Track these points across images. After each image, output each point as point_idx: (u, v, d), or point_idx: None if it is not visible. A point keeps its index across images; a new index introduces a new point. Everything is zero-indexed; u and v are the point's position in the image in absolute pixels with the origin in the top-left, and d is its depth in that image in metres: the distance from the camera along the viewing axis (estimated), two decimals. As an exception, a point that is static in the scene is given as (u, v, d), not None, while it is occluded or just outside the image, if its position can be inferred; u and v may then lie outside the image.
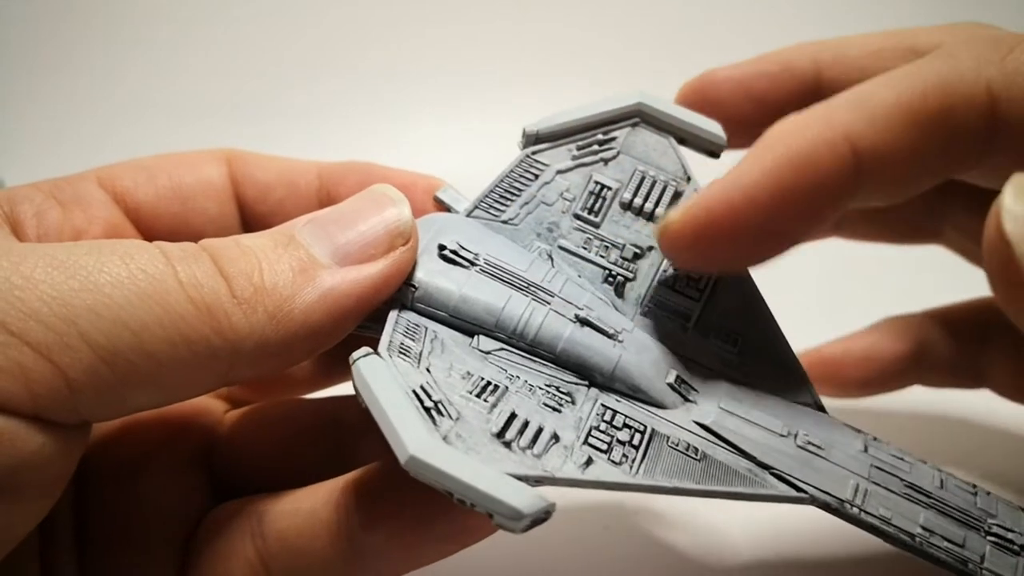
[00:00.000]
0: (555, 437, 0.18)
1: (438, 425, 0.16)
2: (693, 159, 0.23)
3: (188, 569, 0.19)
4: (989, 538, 0.19)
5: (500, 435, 0.17)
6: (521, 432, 0.17)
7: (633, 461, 0.18)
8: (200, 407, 0.23)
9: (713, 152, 0.22)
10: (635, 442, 0.18)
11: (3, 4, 0.44)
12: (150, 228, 0.22)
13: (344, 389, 0.25)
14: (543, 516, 0.15)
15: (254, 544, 0.18)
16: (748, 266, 0.21)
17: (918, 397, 0.28)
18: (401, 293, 0.19)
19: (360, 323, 0.19)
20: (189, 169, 0.23)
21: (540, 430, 0.17)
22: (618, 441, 0.18)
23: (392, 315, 0.19)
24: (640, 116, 0.22)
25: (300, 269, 0.18)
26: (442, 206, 0.23)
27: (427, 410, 0.16)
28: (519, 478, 0.16)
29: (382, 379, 0.16)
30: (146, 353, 0.15)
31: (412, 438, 0.15)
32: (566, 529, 0.24)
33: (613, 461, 0.18)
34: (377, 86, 0.42)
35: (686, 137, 0.22)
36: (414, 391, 0.17)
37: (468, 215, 0.22)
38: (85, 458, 0.20)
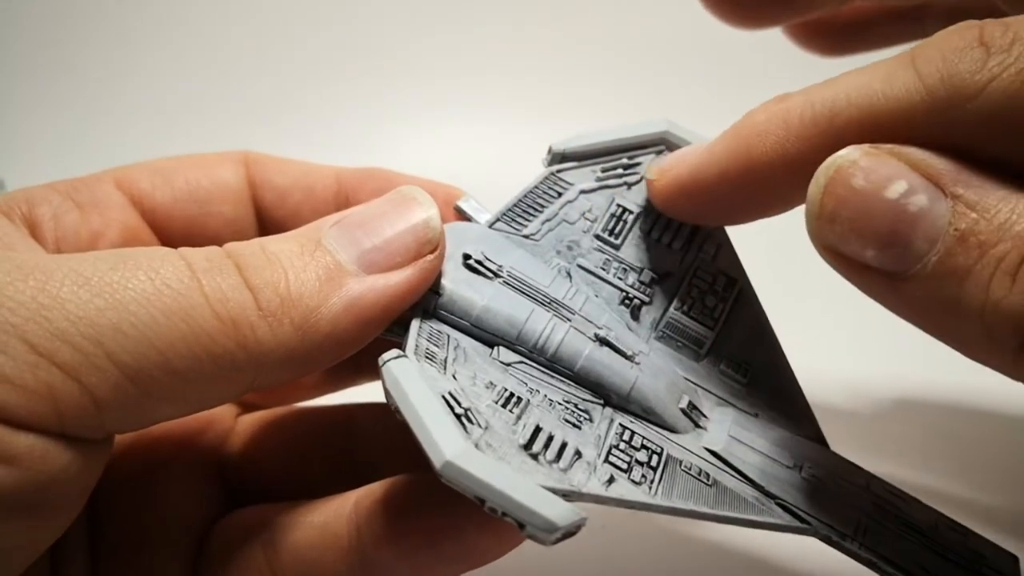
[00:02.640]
0: (578, 453, 0.18)
1: (469, 432, 0.16)
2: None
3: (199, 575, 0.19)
4: None
5: (527, 447, 0.17)
6: (547, 446, 0.17)
7: (652, 482, 0.18)
8: (212, 416, 0.23)
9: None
10: (653, 463, 0.18)
11: (4, 5, 0.43)
12: (166, 230, 0.22)
13: (351, 395, 0.25)
14: (574, 530, 0.15)
15: (265, 555, 0.18)
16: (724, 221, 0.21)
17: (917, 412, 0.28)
18: (425, 299, 0.19)
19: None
20: (206, 172, 0.23)
21: (564, 445, 0.17)
22: (637, 461, 0.18)
23: (416, 321, 0.19)
24: (665, 144, 0.23)
25: (327, 278, 0.17)
26: (462, 216, 0.23)
27: (457, 416, 0.16)
28: (550, 491, 0.16)
29: (415, 381, 0.16)
30: (171, 370, 0.16)
31: (448, 442, 0.15)
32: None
33: (633, 481, 0.18)
34: (392, 88, 0.42)
35: None
36: (443, 396, 0.17)
37: (490, 227, 0.22)
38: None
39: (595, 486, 0.17)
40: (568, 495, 0.16)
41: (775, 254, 0.23)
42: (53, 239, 0.20)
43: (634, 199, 0.23)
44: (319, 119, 0.40)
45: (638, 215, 0.22)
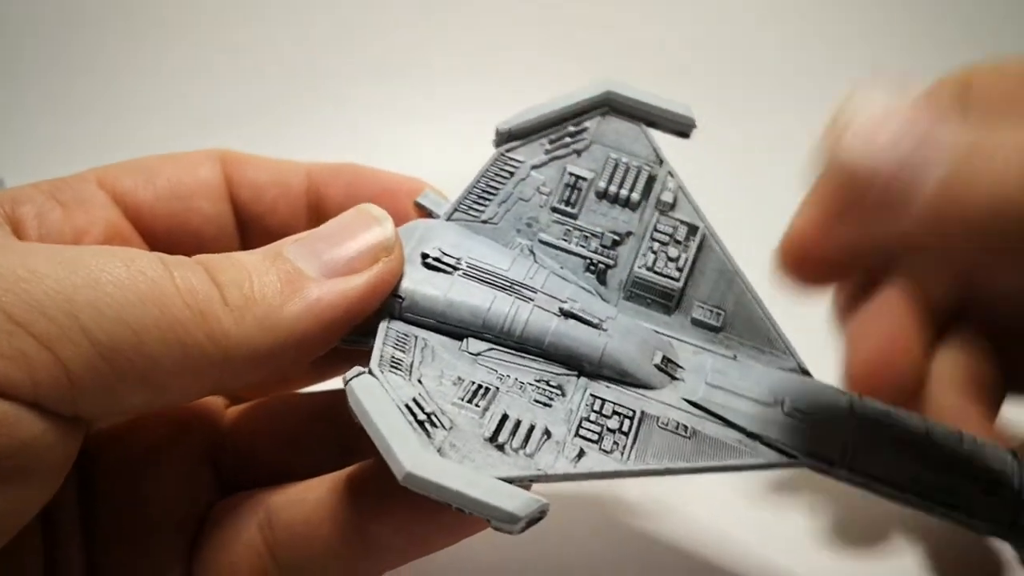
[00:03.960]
0: (547, 433, 0.18)
1: (432, 437, 0.17)
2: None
3: (196, 559, 0.20)
4: (975, 486, 0.20)
5: (493, 439, 0.18)
6: (513, 433, 0.18)
7: (624, 448, 0.19)
8: (203, 404, 0.23)
9: (683, 132, 0.23)
10: (625, 428, 0.19)
11: (3, 5, 0.44)
12: (149, 227, 0.23)
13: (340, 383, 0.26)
14: (538, 516, 0.16)
15: (261, 534, 0.19)
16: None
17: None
18: (389, 305, 0.20)
19: (350, 336, 0.20)
20: (186, 170, 0.23)
21: (532, 428, 0.18)
22: (608, 429, 0.19)
23: (382, 328, 0.20)
24: (608, 104, 0.23)
25: (288, 280, 0.18)
26: (423, 211, 0.23)
27: (420, 423, 0.17)
28: (513, 480, 0.17)
29: (375, 398, 0.17)
30: (143, 353, 0.16)
31: (406, 455, 0.16)
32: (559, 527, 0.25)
33: (604, 450, 0.18)
34: (388, 87, 0.42)
35: (655, 120, 0.23)
36: (407, 405, 0.18)
37: (448, 219, 0.22)
38: (91, 454, 0.21)
39: (563, 465, 0.18)
40: (535, 479, 0.17)
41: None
42: (37, 237, 0.20)
43: (585, 165, 0.23)
44: (318, 119, 0.41)
45: (591, 181, 0.23)
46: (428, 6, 0.46)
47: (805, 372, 0.21)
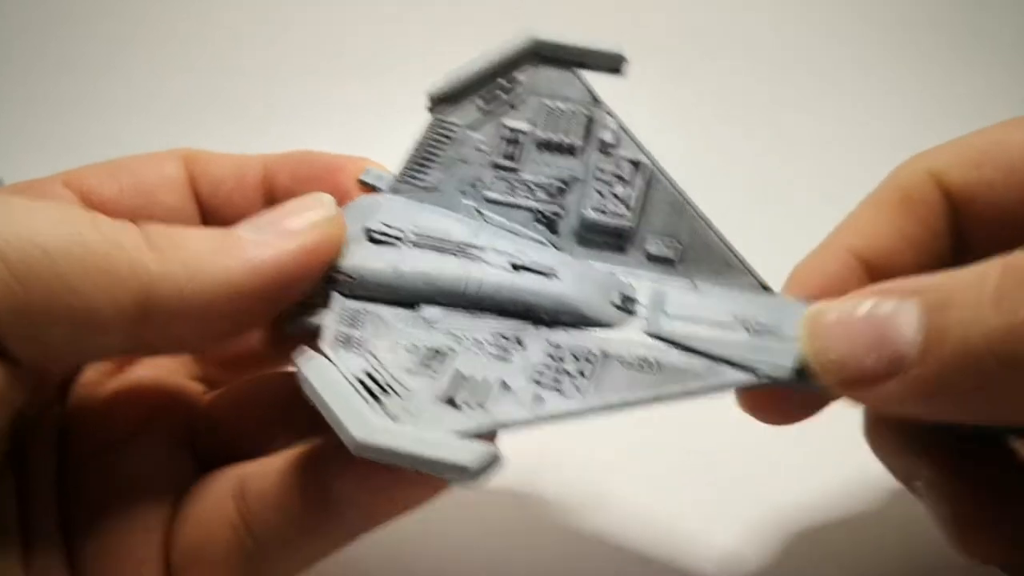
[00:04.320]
0: (504, 386, 0.18)
1: (385, 405, 0.17)
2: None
3: (173, 535, 0.20)
4: None
5: (448, 398, 0.18)
6: (469, 389, 0.18)
7: (583, 389, 0.19)
8: (178, 388, 0.23)
9: (614, 69, 0.22)
10: (583, 371, 0.19)
11: (4, 4, 0.45)
12: None
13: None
14: (491, 462, 0.16)
15: (236, 506, 0.19)
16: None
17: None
18: (340, 286, 0.20)
19: (298, 318, 0.20)
20: (149, 168, 0.24)
21: (488, 382, 0.18)
22: (566, 373, 0.19)
23: (334, 308, 0.20)
24: (536, 53, 0.23)
25: (223, 238, 0.18)
26: (368, 188, 0.23)
27: (372, 394, 0.17)
28: (469, 432, 0.17)
29: (323, 375, 0.17)
30: (57, 273, 0.16)
31: (356, 425, 0.16)
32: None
33: (562, 393, 0.18)
34: (353, 84, 0.42)
35: (586, 61, 0.23)
36: (359, 379, 0.18)
37: (392, 192, 0.22)
38: (67, 437, 0.21)
39: (521, 413, 0.18)
40: (492, 431, 0.17)
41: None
42: None
43: (521, 117, 0.23)
44: (307, 118, 0.41)
45: (529, 132, 0.22)
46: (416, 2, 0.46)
47: (766, 288, 0.21)
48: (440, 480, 0.18)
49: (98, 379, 0.22)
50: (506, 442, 0.18)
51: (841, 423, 0.23)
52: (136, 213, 0.23)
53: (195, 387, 0.24)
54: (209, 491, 0.20)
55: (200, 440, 0.23)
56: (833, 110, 0.41)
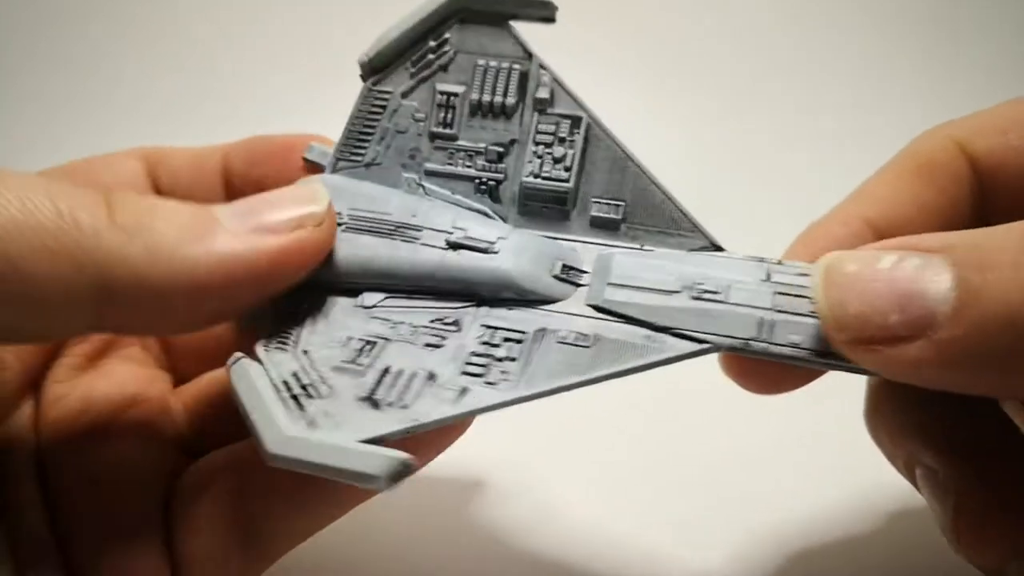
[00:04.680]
0: (431, 377, 0.18)
1: (305, 409, 0.17)
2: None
3: (172, 514, 0.20)
4: None
5: (369, 397, 0.18)
6: (392, 386, 0.18)
7: (512, 376, 0.18)
8: (151, 380, 0.24)
9: (547, 18, 0.21)
10: (514, 355, 0.19)
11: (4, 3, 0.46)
12: None
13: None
14: (402, 470, 0.16)
15: (235, 478, 0.20)
16: None
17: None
18: None
19: (252, 315, 0.20)
20: (107, 167, 0.24)
21: (413, 376, 0.18)
22: (496, 360, 0.19)
23: (276, 303, 0.20)
24: (462, 8, 0.21)
25: (197, 221, 0.17)
26: (313, 166, 0.23)
27: (294, 398, 0.18)
28: (385, 436, 0.17)
29: (248, 381, 0.18)
30: (3, 254, 0.15)
31: (270, 436, 0.16)
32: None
33: (490, 383, 0.18)
34: (346, 83, 0.41)
35: (516, 12, 0.21)
36: (284, 381, 0.18)
37: (333, 171, 0.22)
38: (42, 434, 0.21)
39: (442, 409, 0.18)
40: (410, 431, 0.17)
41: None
42: None
43: (454, 79, 0.22)
44: (313, 118, 0.40)
45: (463, 95, 0.21)
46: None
47: (717, 248, 0.20)
48: (432, 448, 0.19)
49: (70, 375, 0.23)
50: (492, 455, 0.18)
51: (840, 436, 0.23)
52: None
53: (168, 379, 0.25)
54: (202, 475, 0.21)
55: (179, 431, 0.23)
56: (832, 101, 0.40)
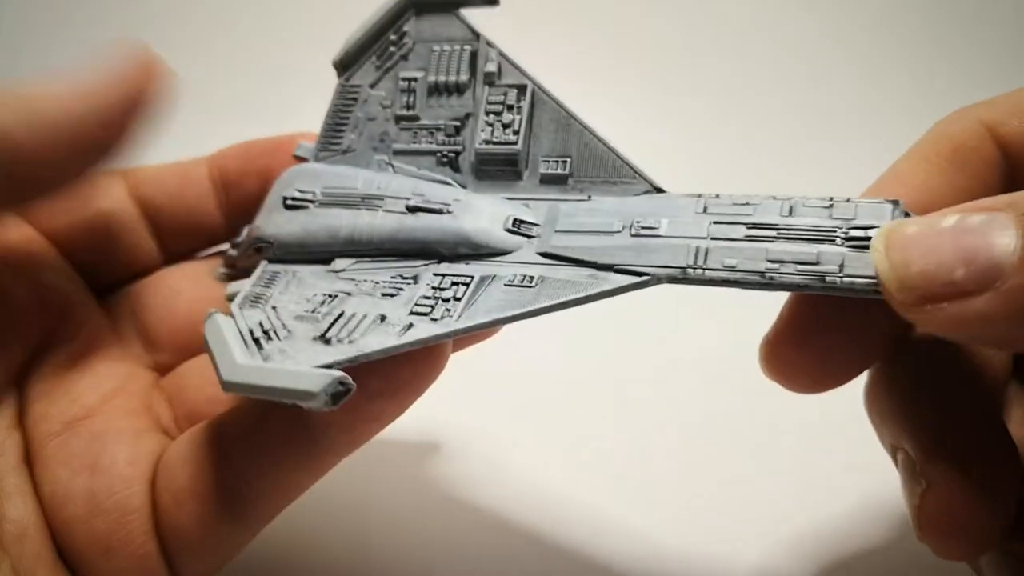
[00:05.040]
0: (381, 318, 0.20)
1: (263, 348, 0.19)
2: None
3: (157, 485, 0.21)
4: (846, 244, 0.18)
5: (322, 336, 0.19)
6: (344, 326, 0.20)
7: (455, 312, 0.19)
8: (132, 372, 0.24)
9: (490, 2, 0.23)
10: (458, 295, 0.20)
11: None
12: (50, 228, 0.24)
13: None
14: (341, 389, 0.17)
15: (218, 446, 0.20)
16: None
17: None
18: (264, 252, 0.23)
19: (231, 285, 0.22)
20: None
21: (364, 317, 0.20)
22: (442, 300, 0.20)
23: (257, 271, 0.22)
24: (415, 2, 0.23)
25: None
26: (302, 161, 0.25)
27: (256, 340, 0.19)
28: (332, 365, 0.18)
29: (216, 330, 0.20)
30: None
31: (226, 367, 0.18)
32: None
33: (433, 319, 0.19)
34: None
35: (462, 0, 0.23)
36: (250, 330, 0.20)
37: (316, 159, 0.24)
38: (26, 418, 0.22)
39: (387, 341, 0.19)
40: (354, 360, 0.18)
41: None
42: None
43: (414, 66, 0.24)
44: (300, 117, 0.44)
45: (422, 79, 0.23)
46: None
47: (659, 190, 0.21)
48: (409, 390, 0.20)
49: (53, 371, 0.23)
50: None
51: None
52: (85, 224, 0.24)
53: (151, 375, 0.25)
54: (187, 440, 0.22)
55: (161, 416, 0.24)
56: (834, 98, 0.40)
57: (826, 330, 0.20)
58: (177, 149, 0.26)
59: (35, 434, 0.22)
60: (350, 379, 0.17)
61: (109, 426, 0.22)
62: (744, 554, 0.26)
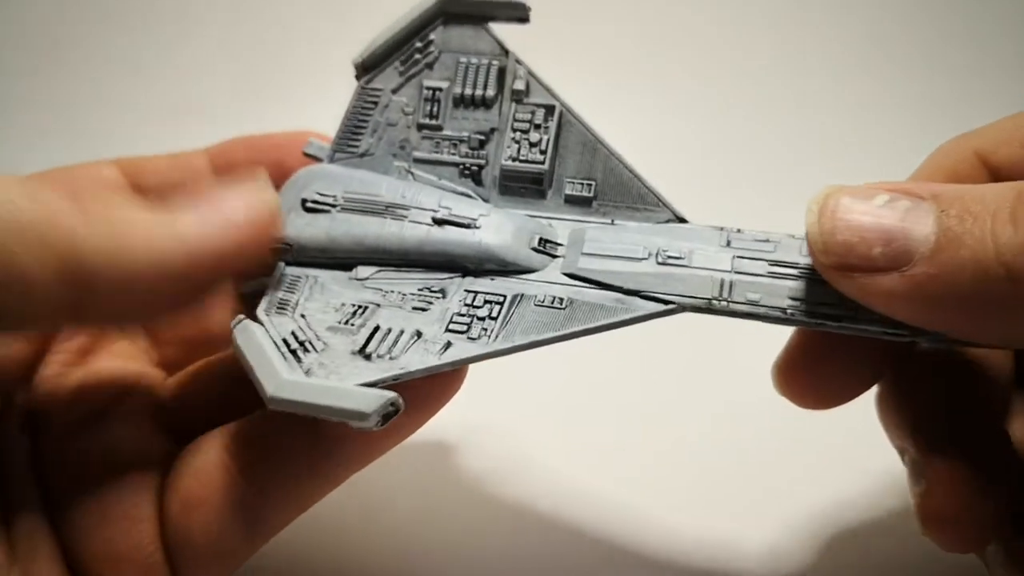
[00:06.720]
0: (417, 334, 0.20)
1: (302, 361, 0.19)
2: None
3: (167, 495, 0.21)
4: None
5: (361, 350, 0.20)
6: (382, 341, 0.20)
7: (491, 332, 0.20)
8: (140, 373, 0.24)
9: (521, 19, 0.23)
10: (494, 314, 0.20)
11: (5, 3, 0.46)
12: None
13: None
14: (391, 409, 0.18)
15: (230, 455, 0.20)
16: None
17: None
18: (283, 254, 0.22)
19: (250, 289, 0.22)
20: (86, 174, 0.25)
21: (402, 333, 0.20)
22: (477, 319, 0.20)
23: (275, 275, 0.22)
24: (444, 12, 0.23)
25: (156, 212, 0.18)
26: (313, 159, 0.25)
27: (293, 351, 0.19)
28: (376, 383, 0.18)
29: (250, 338, 0.19)
30: None
31: (270, 382, 0.18)
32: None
33: (471, 338, 0.20)
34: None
35: (493, 14, 0.23)
36: (284, 339, 0.20)
37: (330, 161, 0.24)
38: (35, 421, 0.21)
39: (428, 360, 0.19)
40: (398, 378, 0.19)
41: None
42: None
43: (439, 76, 0.24)
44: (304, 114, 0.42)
45: (447, 89, 0.24)
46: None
47: (681, 220, 0.22)
48: (429, 405, 0.20)
49: (60, 370, 0.23)
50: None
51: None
52: None
53: (157, 372, 0.25)
54: (199, 449, 0.21)
55: (170, 420, 0.23)
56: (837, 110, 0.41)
57: (832, 356, 0.22)
58: (174, 146, 0.26)
59: (42, 437, 0.21)
60: (400, 400, 0.18)
61: (116, 429, 0.22)
62: (758, 541, 0.27)
